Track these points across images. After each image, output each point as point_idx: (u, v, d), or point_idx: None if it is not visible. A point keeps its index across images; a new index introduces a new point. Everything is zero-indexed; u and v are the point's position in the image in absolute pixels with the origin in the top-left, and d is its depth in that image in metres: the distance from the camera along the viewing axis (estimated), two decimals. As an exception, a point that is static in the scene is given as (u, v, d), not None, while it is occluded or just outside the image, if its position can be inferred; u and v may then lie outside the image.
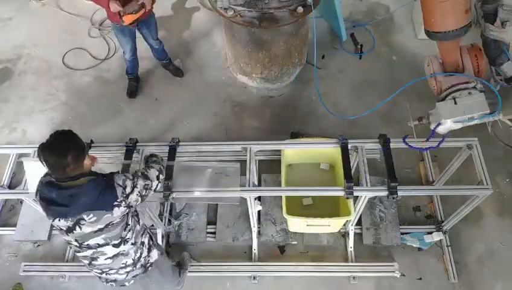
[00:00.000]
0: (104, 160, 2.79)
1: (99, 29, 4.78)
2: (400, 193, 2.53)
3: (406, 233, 3.26)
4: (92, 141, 2.84)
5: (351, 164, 2.66)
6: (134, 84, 4.19)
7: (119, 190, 1.95)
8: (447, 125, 2.31)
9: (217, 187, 2.61)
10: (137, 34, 3.79)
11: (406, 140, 2.59)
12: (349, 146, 2.72)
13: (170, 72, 4.31)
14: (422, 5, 2.17)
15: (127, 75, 4.16)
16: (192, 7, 4.95)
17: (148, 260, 2.31)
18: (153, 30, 3.80)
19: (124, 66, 4.14)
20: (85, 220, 1.91)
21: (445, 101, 2.30)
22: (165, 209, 3.38)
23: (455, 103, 2.26)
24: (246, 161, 2.68)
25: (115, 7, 3.19)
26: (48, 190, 1.90)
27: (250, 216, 3.05)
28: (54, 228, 3.36)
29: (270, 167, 3.58)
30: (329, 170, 3.39)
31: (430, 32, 2.22)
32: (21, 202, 3.47)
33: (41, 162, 1.87)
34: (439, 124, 2.32)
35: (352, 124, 3.83)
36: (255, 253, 3.25)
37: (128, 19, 3.33)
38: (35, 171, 2.44)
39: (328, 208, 3.20)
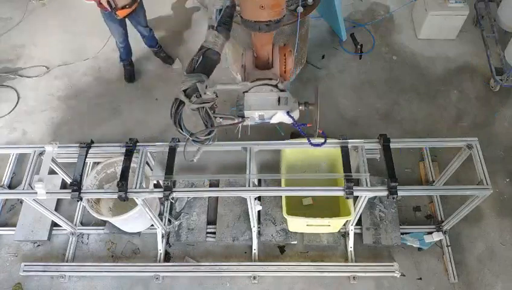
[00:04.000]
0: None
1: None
2: (400, 193, 2.53)
3: (406, 233, 3.26)
4: (92, 141, 2.84)
5: (351, 164, 2.66)
6: (130, 69, 4.23)
7: None
8: (265, 116, 2.29)
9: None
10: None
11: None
12: (349, 146, 2.72)
13: (161, 59, 4.34)
14: None
15: (122, 62, 4.19)
16: (192, 7, 4.94)
17: None
18: (142, 17, 3.82)
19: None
20: None
21: (249, 92, 2.31)
22: (165, 209, 3.38)
23: (257, 97, 2.27)
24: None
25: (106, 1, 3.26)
26: None
27: (250, 216, 3.05)
28: (54, 228, 3.39)
29: (270, 167, 3.57)
30: (329, 170, 3.39)
31: (244, 20, 2.15)
32: (21, 202, 3.47)
33: None
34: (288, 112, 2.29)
35: (352, 124, 3.83)
36: (255, 253, 3.25)
37: (122, 13, 3.42)
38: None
39: (328, 208, 3.20)
